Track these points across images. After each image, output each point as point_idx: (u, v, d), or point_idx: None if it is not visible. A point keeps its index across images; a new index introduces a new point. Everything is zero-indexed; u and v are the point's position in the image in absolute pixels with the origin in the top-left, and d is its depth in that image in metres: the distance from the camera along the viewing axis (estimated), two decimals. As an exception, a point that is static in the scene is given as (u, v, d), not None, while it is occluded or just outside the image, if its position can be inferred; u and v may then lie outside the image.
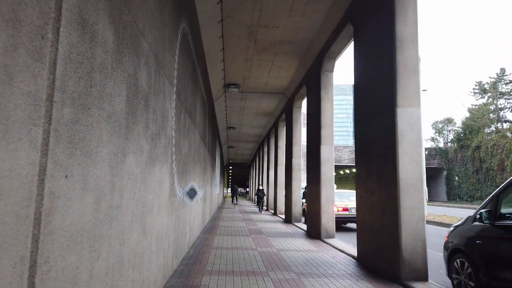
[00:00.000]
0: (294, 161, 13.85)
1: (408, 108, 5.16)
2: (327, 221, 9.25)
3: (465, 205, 31.63)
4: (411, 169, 5.07)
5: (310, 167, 10.52)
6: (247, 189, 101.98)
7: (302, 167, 13.84)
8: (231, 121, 20.68)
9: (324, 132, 9.51)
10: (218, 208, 23.64)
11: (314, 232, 9.81)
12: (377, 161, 5.69)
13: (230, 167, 53.64)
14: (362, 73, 6.41)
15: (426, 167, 43.38)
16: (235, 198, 28.49)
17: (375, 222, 5.65)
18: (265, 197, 21.59)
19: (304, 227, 11.95)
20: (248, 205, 29.63)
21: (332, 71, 9.69)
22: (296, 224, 13.02)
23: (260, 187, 20.58)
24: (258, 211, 20.65)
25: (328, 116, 9.59)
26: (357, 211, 6.48)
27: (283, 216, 16.21)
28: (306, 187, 11.28)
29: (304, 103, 12.96)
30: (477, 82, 52.41)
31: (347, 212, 12.24)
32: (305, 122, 11.18)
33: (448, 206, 31.87)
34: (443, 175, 45.50)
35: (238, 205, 28.62)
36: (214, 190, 18.17)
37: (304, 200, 14.46)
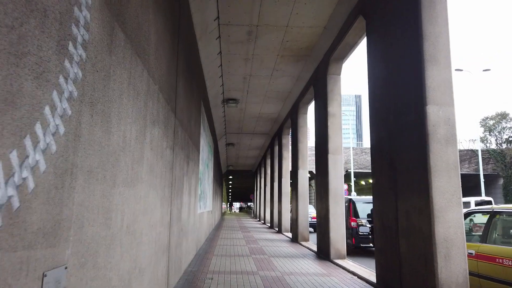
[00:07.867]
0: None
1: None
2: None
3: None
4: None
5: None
6: (250, 204, 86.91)
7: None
8: (230, 82, 11.62)
9: None
10: (209, 237, 14.21)
11: None
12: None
13: (230, 177, 43.72)
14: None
15: (477, 174, 34.21)
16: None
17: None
18: None
19: None
20: (259, 229, 20.30)
21: None
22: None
23: None
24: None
25: None
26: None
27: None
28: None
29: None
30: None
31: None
32: None
33: None
34: (498, 184, 36.29)
35: (242, 229, 19.80)
36: (197, 206, 8.95)
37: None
